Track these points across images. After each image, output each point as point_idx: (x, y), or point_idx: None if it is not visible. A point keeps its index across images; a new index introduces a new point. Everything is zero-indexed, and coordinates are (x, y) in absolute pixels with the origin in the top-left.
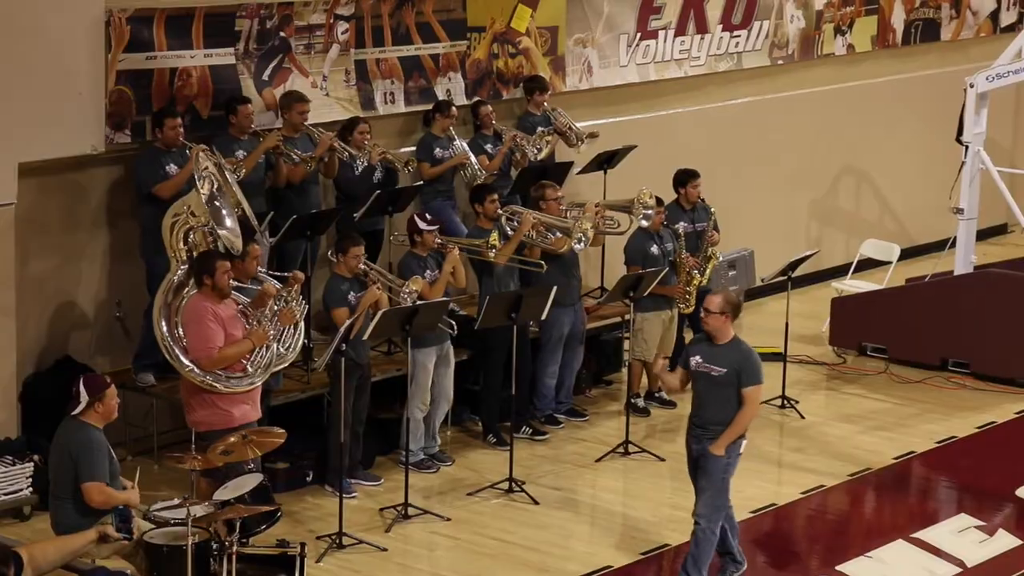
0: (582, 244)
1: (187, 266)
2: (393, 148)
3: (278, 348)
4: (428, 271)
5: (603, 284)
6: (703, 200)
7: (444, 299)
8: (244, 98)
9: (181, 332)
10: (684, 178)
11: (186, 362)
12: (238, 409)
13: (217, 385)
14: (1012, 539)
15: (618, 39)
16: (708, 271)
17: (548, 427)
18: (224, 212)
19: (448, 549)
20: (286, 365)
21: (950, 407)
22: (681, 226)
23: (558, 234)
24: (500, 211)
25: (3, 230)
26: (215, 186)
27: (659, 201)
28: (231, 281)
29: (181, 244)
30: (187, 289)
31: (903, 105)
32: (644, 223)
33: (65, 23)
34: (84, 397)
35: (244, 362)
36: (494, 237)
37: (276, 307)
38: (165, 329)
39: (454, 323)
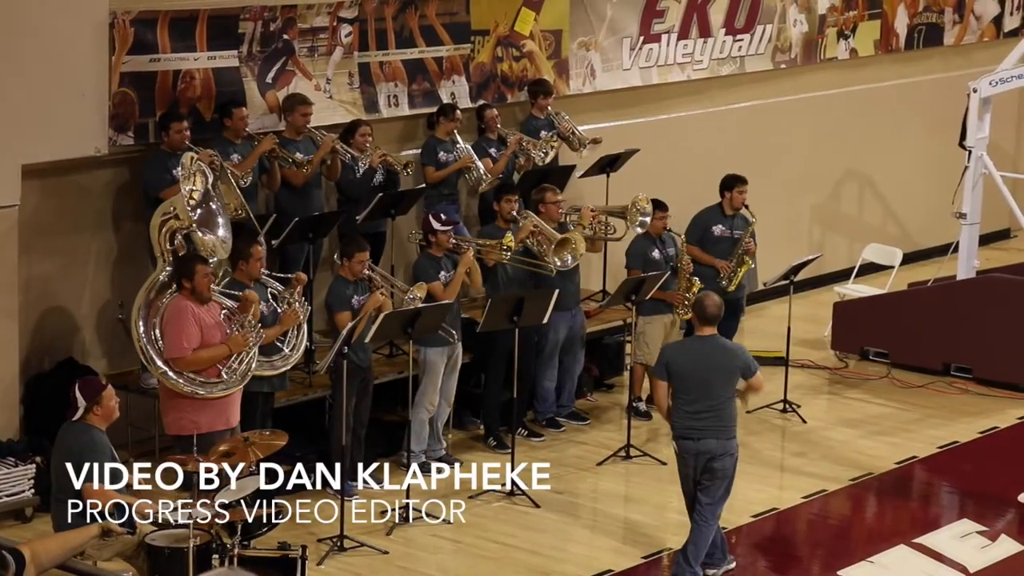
0: (569, 262)
1: (171, 267)
2: (396, 151)
3: (285, 348)
4: (443, 272)
5: (605, 287)
6: (747, 207)
7: (447, 302)
8: (239, 102)
9: (158, 334)
10: (731, 183)
11: (160, 364)
12: (204, 416)
13: (189, 389)
14: (1014, 544)
15: (621, 42)
16: (739, 276)
17: (548, 430)
18: (219, 218)
19: (450, 552)
20: (290, 367)
21: (952, 412)
22: (718, 229)
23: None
24: (516, 213)
25: (6, 232)
26: (209, 183)
27: (659, 204)
28: (212, 286)
29: (167, 244)
30: (171, 290)
31: (906, 110)
32: (639, 229)
33: (69, 25)
34: (81, 402)
35: (220, 368)
36: (508, 238)
37: (273, 309)
38: (142, 330)
39: (455, 332)
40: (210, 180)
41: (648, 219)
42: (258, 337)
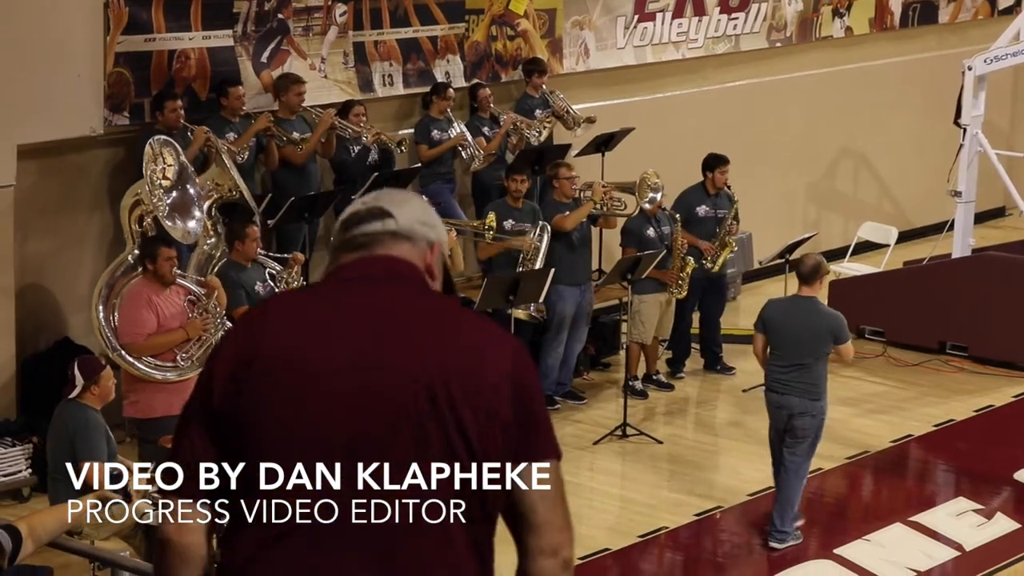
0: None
1: (138, 249)
2: (391, 130)
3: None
4: None
5: (600, 266)
6: (729, 187)
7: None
8: (235, 80)
9: (116, 316)
10: (714, 163)
11: (116, 346)
12: (159, 400)
13: (143, 372)
14: (1010, 522)
15: (615, 21)
16: (722, 258)
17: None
18: (193, 206)
19: None
20: None
21: (948, 390)
22: (702, 209)
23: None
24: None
25: (2, 212)
26: (182, 158)
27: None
28: (175, 270)
29: (135, 226)
30: (136, 272)
31: (901, 88)
32: (647, 206)
33: (64, 5)
34: (80, 380)
35: (176, 352)
36: (490, 219)
37: (270, 289)
38: (102, 314)
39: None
40: (182, 157)
41: (659, 195)
42: (220, 323)
